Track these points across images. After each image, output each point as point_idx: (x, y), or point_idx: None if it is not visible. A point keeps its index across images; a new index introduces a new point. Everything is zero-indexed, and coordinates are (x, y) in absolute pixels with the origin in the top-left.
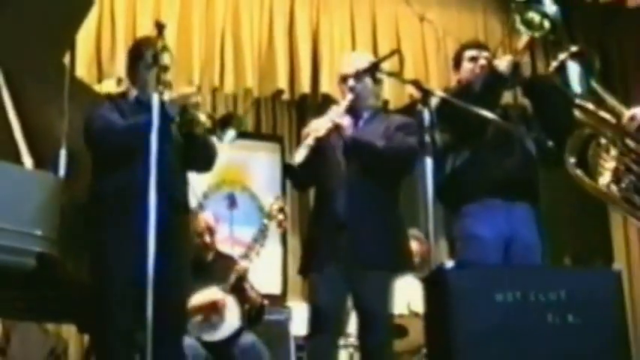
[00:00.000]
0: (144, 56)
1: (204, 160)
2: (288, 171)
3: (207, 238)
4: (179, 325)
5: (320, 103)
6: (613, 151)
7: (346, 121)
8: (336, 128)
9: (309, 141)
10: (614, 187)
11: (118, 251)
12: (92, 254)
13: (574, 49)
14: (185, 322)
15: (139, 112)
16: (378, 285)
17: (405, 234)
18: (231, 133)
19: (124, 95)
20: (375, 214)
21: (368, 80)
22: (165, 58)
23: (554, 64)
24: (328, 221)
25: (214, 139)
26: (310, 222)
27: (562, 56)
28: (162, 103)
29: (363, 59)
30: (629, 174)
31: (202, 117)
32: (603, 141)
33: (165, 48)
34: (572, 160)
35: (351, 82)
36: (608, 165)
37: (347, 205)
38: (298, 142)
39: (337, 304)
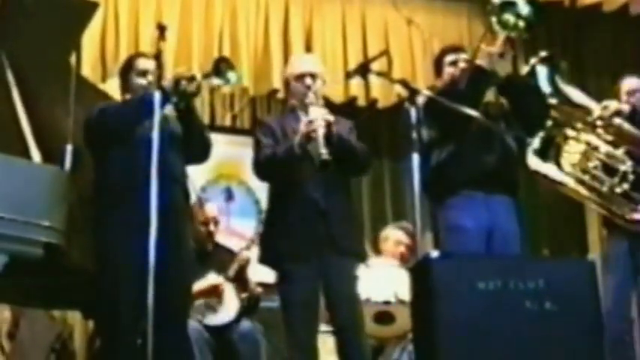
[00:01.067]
0: (134, 66)
1: (202, 149)
2: (327, 166)
3: (212, 227)
4: (184, 309)
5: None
6: (582, 137)
7: (332, 118)
8: (329, 125)
9: (323, 139)
10: (577, 171)
11: (123, 238)
12: (98, 242)
13: (543, 53)
14: (189, 307)
15: None
16: (348, 270)
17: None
18: (232, 74)
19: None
20: (346, 204)
21: (319, 81)
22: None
23: (525, 68)
24: (306, 210)
25: (220, 82)
26: (277, 212)
27: (532, 61)
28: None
29: (313, 61)
30: (598, 153)
31: (193, 80)
32: (572, 132)
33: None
34: (536, 147)
35: (308, 80)
36: (576, 149)
37: (325, 196)
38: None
39: (312, 294)
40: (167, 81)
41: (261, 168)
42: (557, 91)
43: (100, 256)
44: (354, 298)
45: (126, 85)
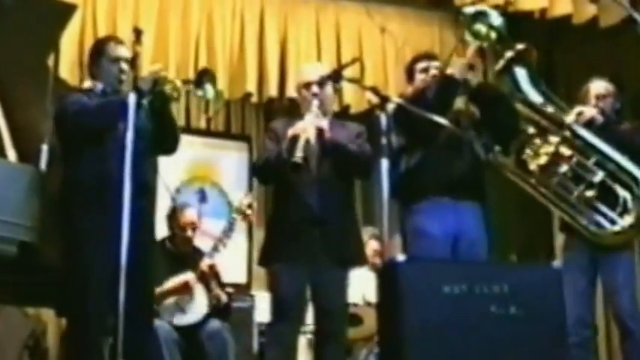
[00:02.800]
0: (105, 51)
1: (172, 140)
2: (295, 168)
3: (189, 233)
4: (151, 308)
5: (286, 106)
6: (552, 139)
7: (326, 125)
8: (319, 131)
9: (302, 142)
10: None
11: (93, 238)
12: (67, 241)
13: (519, 46)
14: (154, 307)
15: None
16: (338, 279)
17: (360, 230)
18: (209, 89)
19: (90, 90)
20: (343, 211)
21: (329, 88)
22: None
23: (500, 62)
24: (301, 215)
25: (199, 93)
26: (276, 216)
27: (508, 54)
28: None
29: (323, 68)
30: (566, 160)
31: (173, 85)
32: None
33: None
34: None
35: (314, 88)
36: (545, 150)
37: (319, 201)
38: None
39: (299, 294)
40: (144, 81)
41: (258, 172)
42: (534, 88)
43: (68, 255)
44: (341, 306)
45: (94, 70)
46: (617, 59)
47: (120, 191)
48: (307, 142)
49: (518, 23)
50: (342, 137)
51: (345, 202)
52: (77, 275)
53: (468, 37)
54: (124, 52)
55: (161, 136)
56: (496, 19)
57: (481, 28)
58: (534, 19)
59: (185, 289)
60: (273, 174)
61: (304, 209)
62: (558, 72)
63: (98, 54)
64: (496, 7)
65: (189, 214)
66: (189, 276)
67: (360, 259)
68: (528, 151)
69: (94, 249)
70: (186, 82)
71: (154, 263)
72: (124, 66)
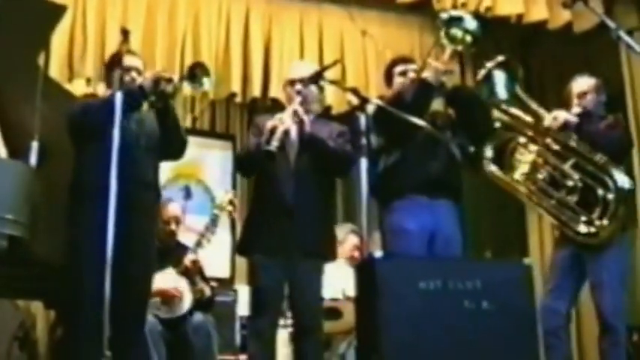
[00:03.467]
0: (120, 63)
1: (179, 145)
2: (269, 156)
3: (173, 226)
4: (143, 303)
5: (269, 106)
6: (532, 147)
7: (306, 118)
8: (300, 123)
9: (280, 132)
10: (527, 181)
11: (91, 234)
12: (70, 234)
13: (500, 58)
14: (148, 302)
15: None
16: (311, 273)
17: (333, 226)
18: (206, 80)
19: (94, 96)
20: (319, 205)
21: (313, 87)
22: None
23: (482, 72)
24: (276, 206)
25: (194, 86)
26: (254, 206)
27: (489, 65)
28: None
29: (309, 67)
30: (546, 166)
31: (173, 84)
32: (523, 140)
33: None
34: (489, 155)
35: (298, 86)
36: (526, 159)
37: (295, 194)
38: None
39: (277, 288)
40: (146, 80)
41: (238, 163)
42: (513, 97)
43: (71, 248)
44: (315, 300)
45: (109, 80)
46: (590, 63)
47: (119, 188)
48: (285, 133)
49: (494, 28)
50: (323, 134)
51: (321, 196)
52: (76, 269)
53: (445, 41)
54: (136, 62)
55: (166, 139)
56: (471, 23)
57: (457, 32)
58: (511, 25)
59: (170, 297)
60: (253, 165)
61: (278, 199)
62: (533, 75)
63: (113, 64)
64: (475, 12)
65: (172, 208)
66: (176, 282)
67: (329, 255)
68: (514, 159)
69: (92, 245)
70: (182, 78)
71: (151, 258)
72: (135, 75)
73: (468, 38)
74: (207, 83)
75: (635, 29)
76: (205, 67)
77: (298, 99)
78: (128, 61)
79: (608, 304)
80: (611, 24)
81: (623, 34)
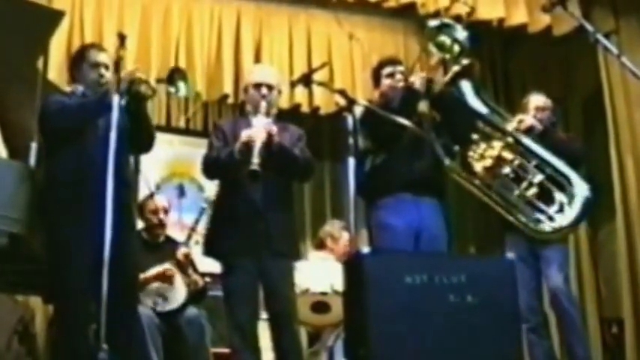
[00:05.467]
0: (87, 57)
1: (148, 138)
2: (255, 176)
3: (162, 215)
4: (135, 295)
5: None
6: (496, 144)
7: (275, 129)
8: (269, 134)
9: (258, 149)
10: (488, 175)
11: (73, 230)
12: (51, 233)
13: (464, 62)
14: (138, 294)
15: None
16: (282, 267)
17: (295, 226)
18: (182, 85)
19: (72, 93)
20: (284, 207)
21: (275, 91)
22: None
23: (447, 75)
24: (243, 210)
25: (172, 90)
26: (220, 208)
27: (455, 68)
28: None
29: (272, 71)
30: (510, 162)
31: (147, 85)
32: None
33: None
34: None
35: (264, 90)
36: (490, 153)
37: (263, 199)
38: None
39: (251, 281)
40: (121, 81)
41: (207, 168)
42: (483, 102)
43: (52, 247)
44: (287, 295)
45: (76, 74)
46: (569, 65)
47: (100, 185)
48: (261, 148)
49: (476, 31)
50: (286, 140)
51: (285, 199)
52: (60, 266)
53: (432, 49)
54: (104, 58)
55: (137, 135)
56: (460, 32)
57: (445, 40)
58: (492, 28)
59: (165, 277)
60: (222, 172)
61: (250, 205)
62: (514, 77)
63: (80, 59)
64: (457, 16)
65: (159, 199)
66: (167, 265)
67: (295, 254)
68: (472, 154)
69: (75, 241)
70: (160, 80)
71: (137, 252)
72: (103, 71)
73: (456, 47)
74: (182, 89)
75: (612, 32)
76: (183, 73)
77: (264, 104)
78: (96, 56)
79: (561, 287)
80: (589, 27)
81: (600, 37)
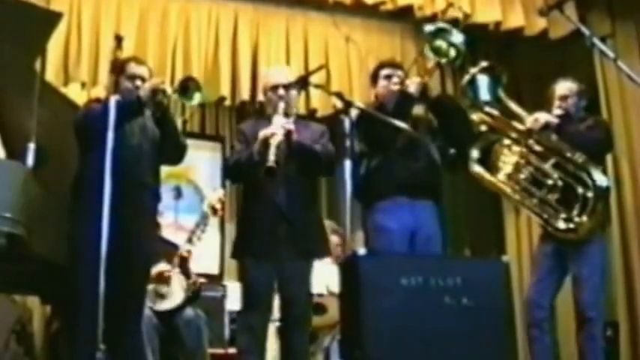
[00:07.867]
0: (126, 70)
1: (177, 152)
2: (270, 172)
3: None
4: (142, 297)
5: (257, 109)
6: (515, 149)
7: (293, 127)
8: (288, 133)
9: (274, 146)
10: (511, 181)
11: (94, 234)
12: (72, 234)
13: (484, 64)
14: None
15: None
16: (301, 270)
17: (323, 224)
18: (197, 95)
19: (101, 100)
20: (308, 207)
21: (294, 91)
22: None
23: (466, 77)
24: (269, 213)
25: (185, 100)
26: (245, 211)
27: (473, 70)
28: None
29: (287, 72)
30: (528, 166)
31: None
32: (507, 142)
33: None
34: (475, 156)
35: (281, 91)
36: (510, 159)
37: (286, 200)
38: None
39: (267, 285)
40: (144, 90)
41: (229, 171)
42: (496, 100)
43: (73, 247)
44: (306, 300)
45: (116, 87)
46: (565, 69)
47: (114, 188)
48: (278, 146)
49: (473, 35)
50: (307, 138)
51: (310, 198)
52: (78, 267)
53: (428, 53)
54: (142, 71)
55: (166, 145)
56: (457, 37)
57: (442, 44)
58: (489, 32)
59: (161, 278)
60: (244, 174)
61: (272, 207)
62: (511, 80)
63: (120, 72)
64: (454, 19)
65: None
66: (166, 267)
67: (324, 251)
68: (498, 160)
69: (91, 242)
70: (175, 91)
71: (152, 254)
72: (139, 83)
73: (452, 52)
74: (197, 98)
75: (608, 36)
76: (198, 83)
77: (282, 104)
78: (134, 69)
79: (587, 297)
80: (585, 31)
81: (596, 40)
